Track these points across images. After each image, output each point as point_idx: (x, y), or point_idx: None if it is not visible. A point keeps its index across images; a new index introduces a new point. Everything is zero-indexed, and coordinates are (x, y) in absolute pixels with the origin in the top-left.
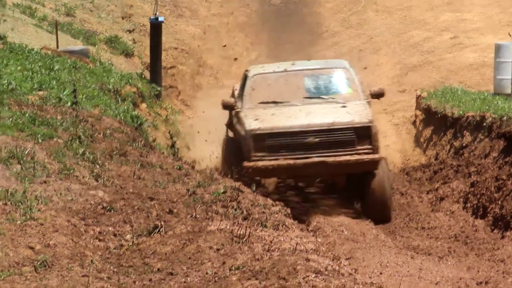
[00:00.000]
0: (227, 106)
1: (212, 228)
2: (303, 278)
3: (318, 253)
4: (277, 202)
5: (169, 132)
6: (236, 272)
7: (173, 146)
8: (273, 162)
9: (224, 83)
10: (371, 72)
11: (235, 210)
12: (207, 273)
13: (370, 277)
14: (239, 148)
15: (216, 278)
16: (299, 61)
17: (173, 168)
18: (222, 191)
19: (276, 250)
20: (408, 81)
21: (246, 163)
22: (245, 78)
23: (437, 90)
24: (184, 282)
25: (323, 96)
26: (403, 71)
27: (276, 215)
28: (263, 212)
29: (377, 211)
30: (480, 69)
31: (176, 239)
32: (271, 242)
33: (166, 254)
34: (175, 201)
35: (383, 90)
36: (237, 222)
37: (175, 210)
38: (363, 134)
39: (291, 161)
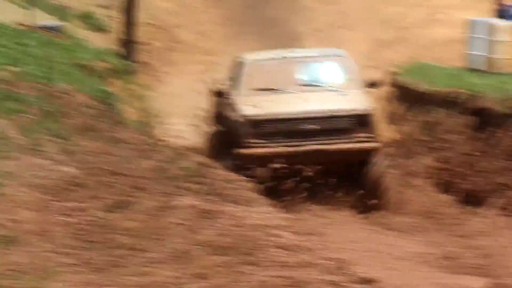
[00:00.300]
0: (218, 94)
1: (179, 204)
2: (268, 253)
3: (283, 228)
4: (243, 178)
5: (141, 108)
6: (203, 247)
7: (144, 122)
8: (270, 150)
9: (199, 59)
10: (346, 48)
11: (202, 185)
12: (174, 249)
13: (337, 253)
14: (230, 137)
15: (183, 253)
16: (296, 48)
17: (143, 144)
18: (189, 166)
19: (243, 225)
20: (382, 57)
21: (241, 150)
22: (240, 64)
23: (411, 66)
24: (151, 257)
25: (320, 84)
26: (377, 47)
27: (243, 190)
28: (232, 188)
29: (374, 200)
30: (453, 45)
31: (144, 215)
32: (238, 217)
33: (133, 229)
34: (144, 177)
35: (381, 80)
36: (205, 198)
37: (143, 186)
38: (363, 122)
39: (289, 149)
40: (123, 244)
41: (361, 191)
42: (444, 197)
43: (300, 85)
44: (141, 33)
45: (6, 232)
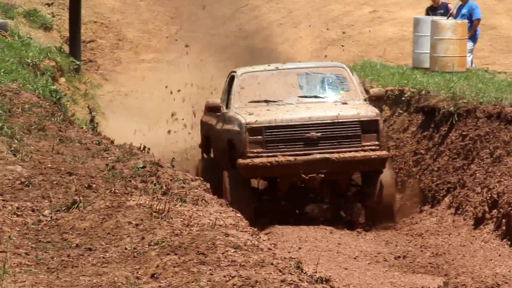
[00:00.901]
0: (212, 108)
1: (131, 203)
2: (222, 253)
3: (237, 228)
4: (196, 177)
5: (88, 107)
6: (155, 247)
7: (92, 120)
8: (270, 159)
9: (144, 58)
10: (291, 47)
11: (155, 185)
12: (126, 249)
13: (289, 252)
14: (226, 155)
15: (135, 254)
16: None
17: (92, 143)
18: (141, 166)
19: (196, 225)
20: (328, 55)
21: (240, 161)
22: (231, 78)
23: (357, 64)
24: (103, 257)
25: (319, 96)
26: (323, 45)
27: (196, 190)
28: (183, 187)
29: (382, 213)
30: (399, 43)
31: (95, 215)
32: (190, 217)
33: (84, 229)
34: (94, 176)
35: (383, 92)
36: (156, 197)
37: (94, 185)
38: (370, 129)
39: (291, 158)
40: (76, 244)
41: (367, 204)
42: (399, 196)
43: (298, 96)
44: (86, 31)
45: None
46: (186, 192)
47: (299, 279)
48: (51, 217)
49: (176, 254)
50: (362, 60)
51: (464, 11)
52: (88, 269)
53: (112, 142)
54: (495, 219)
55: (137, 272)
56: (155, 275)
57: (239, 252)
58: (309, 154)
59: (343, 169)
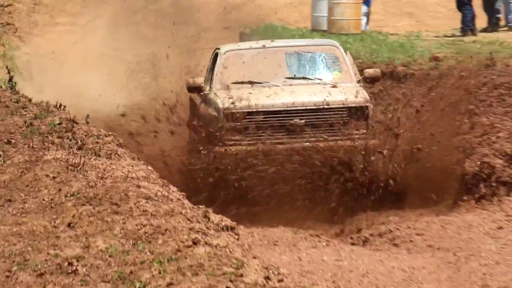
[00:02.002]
0: (193, 88)
1: (48, 158)
2: (134, 204)
3: (148, 180)
4: (109, 132)
5: (6, 67)
6: (71, 198)
7: (10, 80)
8: (250, 147)
9: (59, 21)
10: (198, 11)
11: (70, 140)
12: (44, 200)
13: (201, 203)
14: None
15: (53, 204)
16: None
17: (10, 101)
18: (57, 122)
19: (109, 177)
20: (232, 19)
21: (217, 148)
22: (215, 56)
23: (259, 27)
24: (22, 208)
25: (308, 77)
26: (228, 9)
27: (109, 145)
28: (97, 142)
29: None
30: (298, 7)
31: (14, 168)
32: (104, 170)
33: (4, 182)
34: (13, 132)
35: (379, 72)
36: (72, 152)
37: (13, 141)
38: (359, 116)
39: (272, 146)
40: (7, 187)
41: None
42: None
43: (286, 77)
44: None
45: None
46: (100, 147)
47: (206, 227)
48: None
49: (91, 204)
50: (265, 23)
51: None
52: (8, 219)
53: (29, 100)
54: None
55: (55, 222)
56: (71, 224)
57: (150, 203)
58: (292, 143)
59: (328, 158)
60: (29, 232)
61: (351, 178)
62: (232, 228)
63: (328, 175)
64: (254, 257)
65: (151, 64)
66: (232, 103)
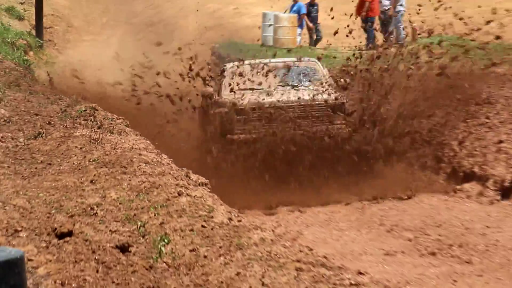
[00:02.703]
0: (205, 95)
1: (76, 134)
2: (137, 167)
3: (147, 150)
4: (120, 116)
5: (47, 72)
6: (93, 163)
7: (50, 80)
8: (254, 136)
9: (85, 39)
10: (182, 32)
11: (92, 122)
12: (73, 164)
13: (185, 166)
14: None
15: (80, 167)
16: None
17: (50, 94)
18: (83, 109)
19: (119, 148)
20: (207, 37)
21: (229, 136)
22: (222, 71)
23: (225, 43)
24: (58, 169)
25: (296, 84)
26: (203, 30)
27: (119, 125)
28: (111, 123)
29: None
30: (253, 29)
31: (53, 141)
32: (116, 143)
33: (46, 151)
34: (52, 116)
35: (349, 82)
36: (93, 130)
37: (52, 122)
38: (338, 110)
39: (270, 134)
40: (41, 161)
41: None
42: None
43: (278, 85)
44: (46, 21)
45: None
46: (114, 127)
47: (187, 183)
48: (24, 143)
49: (106, 167)
50: (229, 40)
51: (295, 8)
52: (49, 177)
53: (64, 94)
54: None
55: (81, 179)
56: (92, 181)
57: (148, 166)
58: (288, 131)
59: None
60: (63, 186)
61: (330, 155)
62: (206, 184)
63: (314, 154)
64: (221, 204)
65: (148, 67)
66: (240, 101)
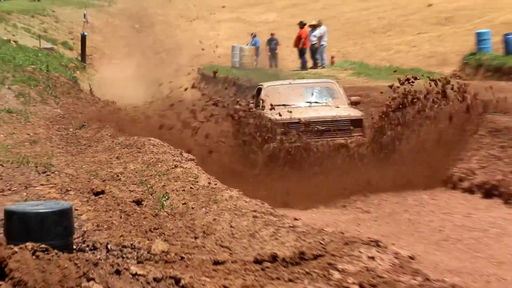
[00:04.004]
0: (240, 110)
1: (107, 126)
2: (148, 148)
3: (154, 139)
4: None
5: (89, 84)
6: (118, 145)
7: (90, 90)
8: (291, 144)
9: (113, 62)
10: (178, 58)
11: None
12: (105, 146)
13: (181, 148)
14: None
15: (109, 148)
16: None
17: (91, 100)
18: (115, 109)
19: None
20: (195, 62)
21: (272, 144)
22: (259, 89)
23: (207, 65)
24: (95, 149)
25: (319, 102)
26: (193, 58)
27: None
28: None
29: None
30: (226, 57)
31: (92, 131)
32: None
33: (87, 137)
34: (92, 115)
35: (360, 99)
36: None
37: (92, 118)
38: (357, 124)
39: (304, 143)
40: (83, 144)
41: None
42: None
43: (305, 102)
44: (87, 50)
45: (31, 137)
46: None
47: (181, 159)
48: (73, 132)
49: (127, 148)
50: (210, 64)
51: (253, 42)
52: (89, 155)
53: (99, 99)
54: None
55: (110, 156)
56: (118, 157)
57: (154, 147)
58: (317, 141)
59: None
60: (98, 161)
61: (352, 160)
62: (193, 159)
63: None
64: (203, 173)
65: (157, 81)
66: (280, 117)
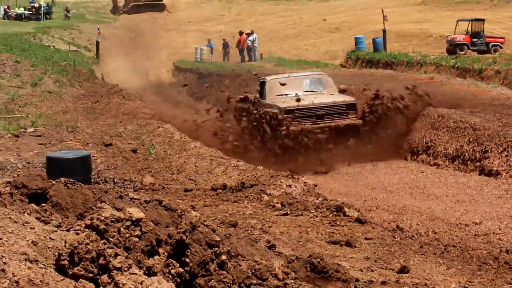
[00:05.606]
0: (249, 99)
1: (113, 101)
2: (140, 114)
3: (145, 108)
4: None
5: (101, 74)
6: (121, 113)
7: (103, 78)
8: (297, 127)
9: (116, 59)
10: (159, 55)
11: (120, 95)
12: (112, 114)
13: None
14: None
15: (115, 115)
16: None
17: (102, 83)
18: (117, 89)
19: (132, 107)
20: (171, 58)
21: (280, 128)
22: (263, 82)
23: (179, 61)
24: (106, 116)
25: (315, 90)
26: (169, 56)
27: (133, 96)
28: (130, 96)
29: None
30: (191, 54)
31: (103, 104)
32: (131, 105)
33: (100, 109)
34: (108, 96)
35: (346, 87)
36: (122, 98)
37: (103, 95)
38: (351, 108)
39: (308, 126)
40: (98, 112)
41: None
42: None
43: (304, 91)
44: (100, 51)
45: (63, 109)
46: (131, 98)
47: (162, 123)
48: (91, 105)
49: (127, 115)
50: (181, 60)
51: (209, 44)
52: (101, 120)
53: (108, 83)
54: None
55: (115, 121)
56: (121, 122)
57: (145, 115)
58: (319, 123)
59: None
60: (107, 124)
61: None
62: (170, 122)
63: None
64: (177, 131)
65: (146, 71)
66: (287, 104)
